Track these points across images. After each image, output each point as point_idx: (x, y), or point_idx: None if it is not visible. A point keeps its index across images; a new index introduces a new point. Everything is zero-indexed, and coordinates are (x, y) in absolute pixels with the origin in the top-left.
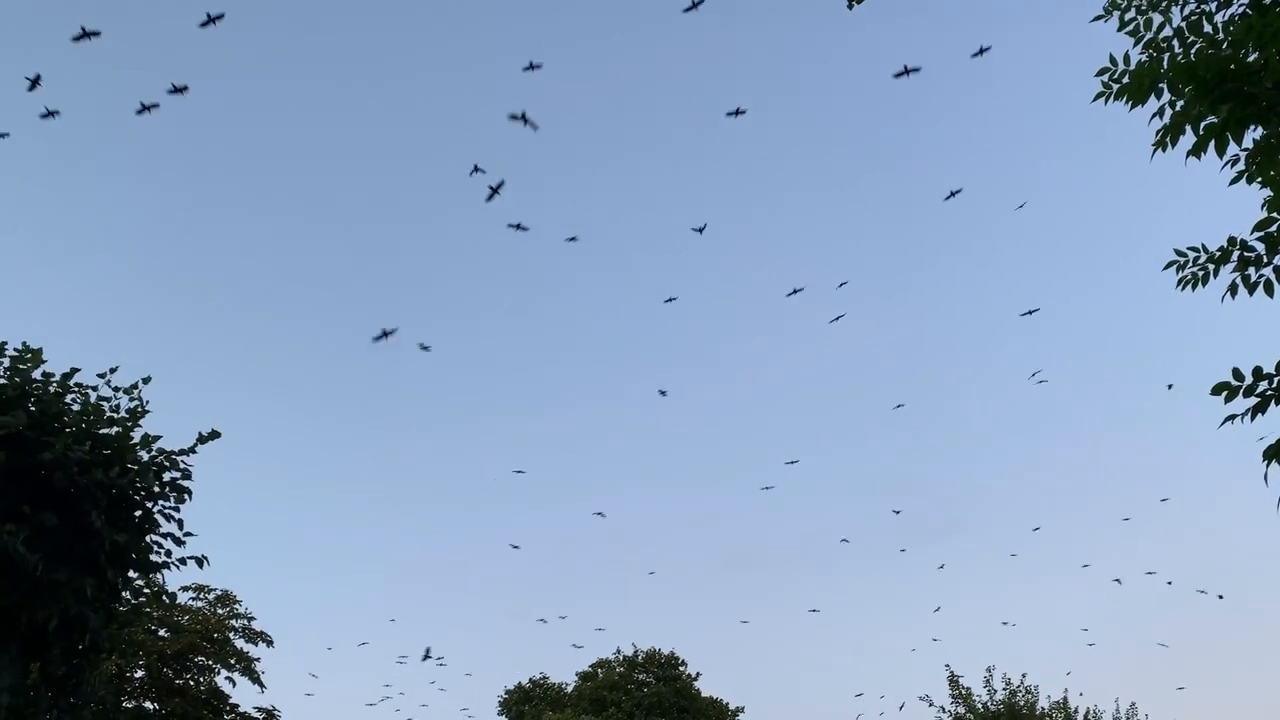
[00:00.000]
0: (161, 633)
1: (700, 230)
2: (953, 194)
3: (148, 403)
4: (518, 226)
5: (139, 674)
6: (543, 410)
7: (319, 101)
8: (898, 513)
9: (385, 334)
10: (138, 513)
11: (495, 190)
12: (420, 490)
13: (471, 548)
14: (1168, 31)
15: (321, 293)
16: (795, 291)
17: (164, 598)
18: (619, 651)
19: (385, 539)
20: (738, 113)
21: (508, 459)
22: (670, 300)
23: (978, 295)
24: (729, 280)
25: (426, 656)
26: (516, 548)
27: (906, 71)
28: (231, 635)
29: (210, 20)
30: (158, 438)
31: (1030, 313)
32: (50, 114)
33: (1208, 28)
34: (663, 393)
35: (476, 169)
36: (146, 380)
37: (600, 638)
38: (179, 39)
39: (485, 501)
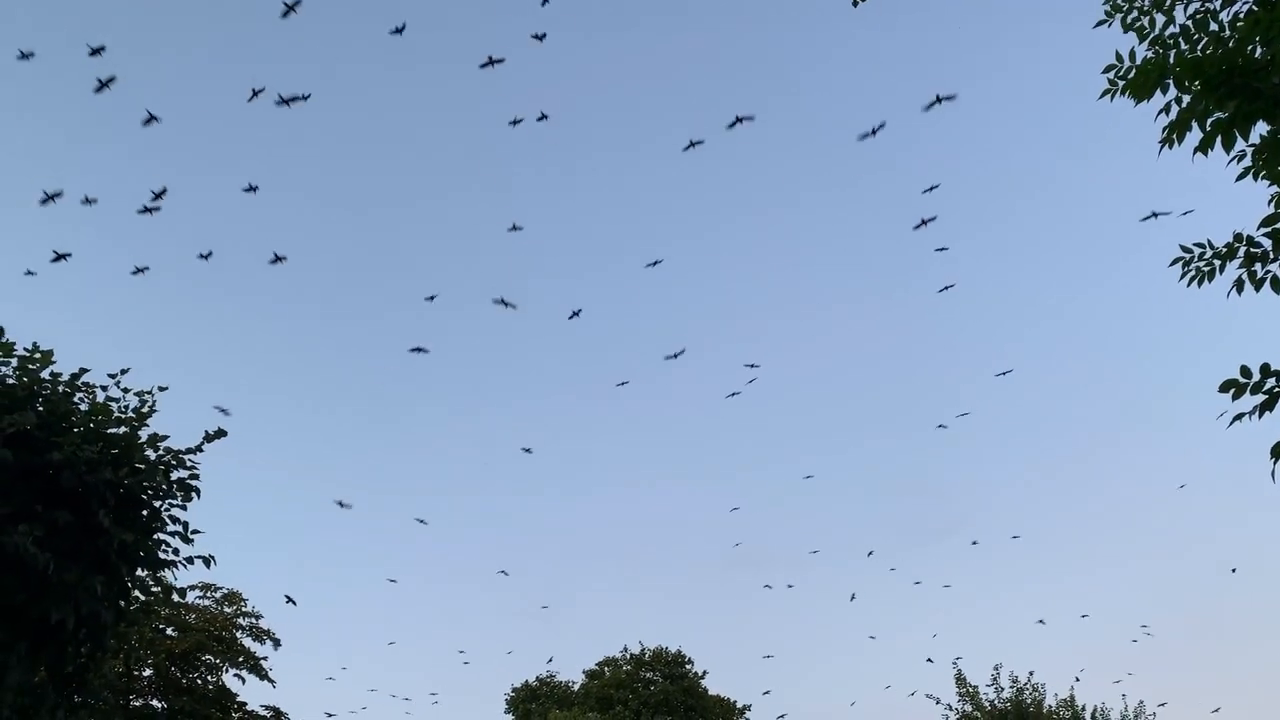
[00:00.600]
0: (169, 631)
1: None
2: (924, 222)
3: (156, 403)
4: (514, 227)
5: (147, 672)
6: (548, 406)
7: (321, 93)
8: (815, 552)
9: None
10: (145, 512)
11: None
12: (426, 486)
13: (474, 546)
14: (1173, 29)
15: (327, 289)
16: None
17: (174, 595)
18: (626, 650)
19: (388, 536)
20: (739, 121)
21: (512, 457)
22: (675, 355)
23: (980, 297)
24: (733, 281)
25: (289, 601)
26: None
27: (939, 100)
28: (239, 634)
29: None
30: (165, 437)
31: (1005, 373)
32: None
33: (1213, 25)
34: (527, 450)
35: (505, 302)
36: (163, 389)
37: (606, 638)
38: (186, 40)
39: (487, 501)
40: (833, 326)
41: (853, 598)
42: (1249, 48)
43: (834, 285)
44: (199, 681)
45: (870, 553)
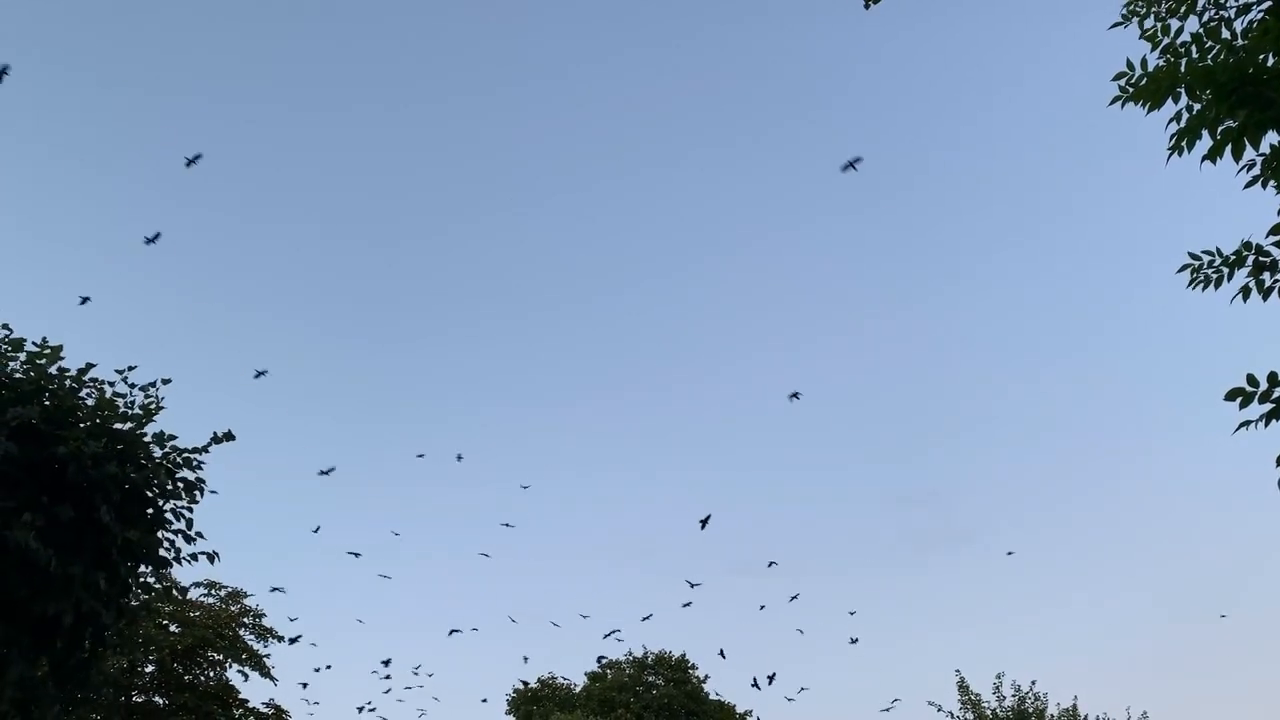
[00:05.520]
0: (172, 628)
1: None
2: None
3: (163, 399)
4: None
5: (149, 668)
6: (552, 409)
7: (324, 105)
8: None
9: (853, 164)
10: (150, 510)
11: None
12: (425, 488)
13: (476, 548)
14: (1186, 37)
15: (337, 289)
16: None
17: (174, 592)
18: (630, 653)
19: (388, 535)
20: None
21: (517, 461)
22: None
23: (986, 307)
24: (742, 289)
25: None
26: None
27: (852, 164)
28: (242, 631)
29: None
30: (173, 437)
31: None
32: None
33: (1225, 33)
34: (459, 457)
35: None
36: (166, 381)
37: (611, 639)
38: (199, 44)
39: (490, 504)
40: (843, 333)
41: (793, 598)
42: (1261, 56)
43: (851, 290)
44: (201, 678)
45: (795, 597)
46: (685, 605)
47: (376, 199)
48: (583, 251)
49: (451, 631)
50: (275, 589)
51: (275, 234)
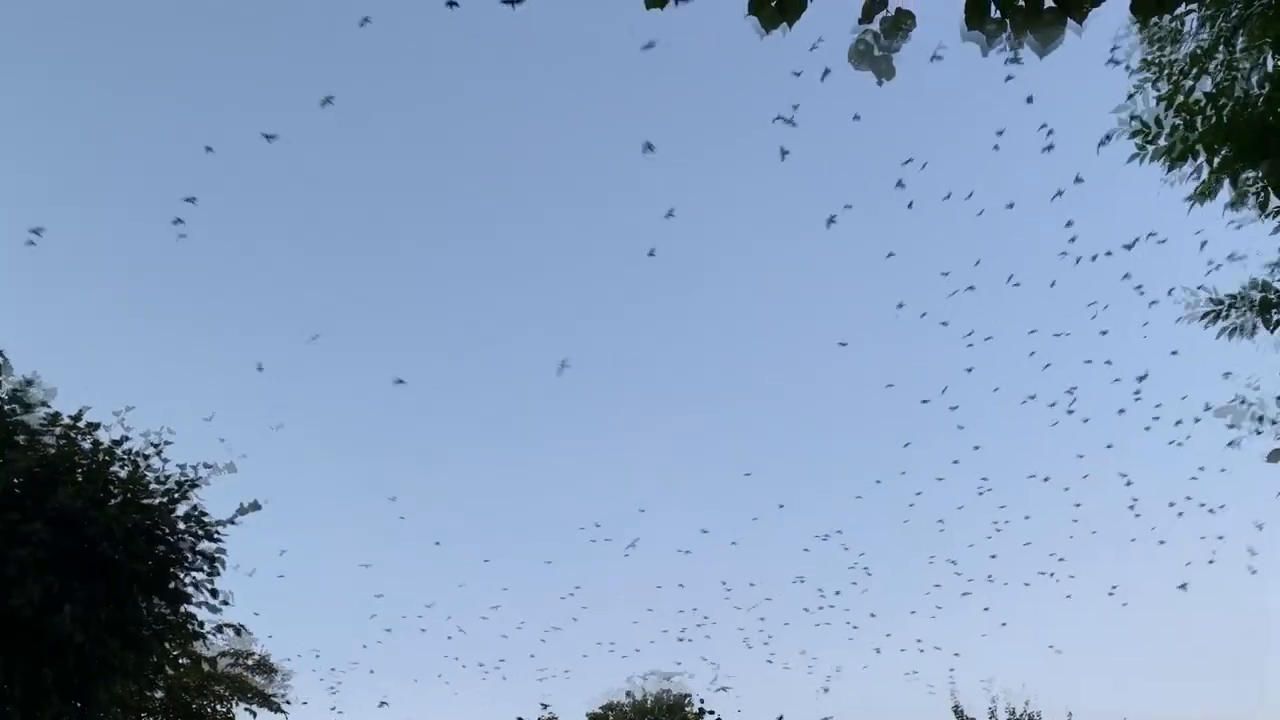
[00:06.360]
0: (181, 661)
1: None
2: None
3: (165, 444)
4: None
5: (159, 694)
6: (550, 433)
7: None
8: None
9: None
10: (161, 548)
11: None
12: (421, 509)
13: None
14: (1199, 96)
15: (338, 313)
16: None
17: (188, 627)
18: (629, 680)
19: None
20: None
21: (518, 477)
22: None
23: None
24: (745, 299)
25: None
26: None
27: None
28: (246, 673)
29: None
30: (169, 476)
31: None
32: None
33: (1239, 91)
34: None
35: None
36: (171, 432)
37: (615, 666)
38: (199, 54)
39: (495, 520)
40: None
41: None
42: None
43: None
44: (208, 710)
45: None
46: (768, 661)
47: (376, 200)
48: (582, 265)
49: (544, 707)
50: (333, 669)
51: (272, 234)
